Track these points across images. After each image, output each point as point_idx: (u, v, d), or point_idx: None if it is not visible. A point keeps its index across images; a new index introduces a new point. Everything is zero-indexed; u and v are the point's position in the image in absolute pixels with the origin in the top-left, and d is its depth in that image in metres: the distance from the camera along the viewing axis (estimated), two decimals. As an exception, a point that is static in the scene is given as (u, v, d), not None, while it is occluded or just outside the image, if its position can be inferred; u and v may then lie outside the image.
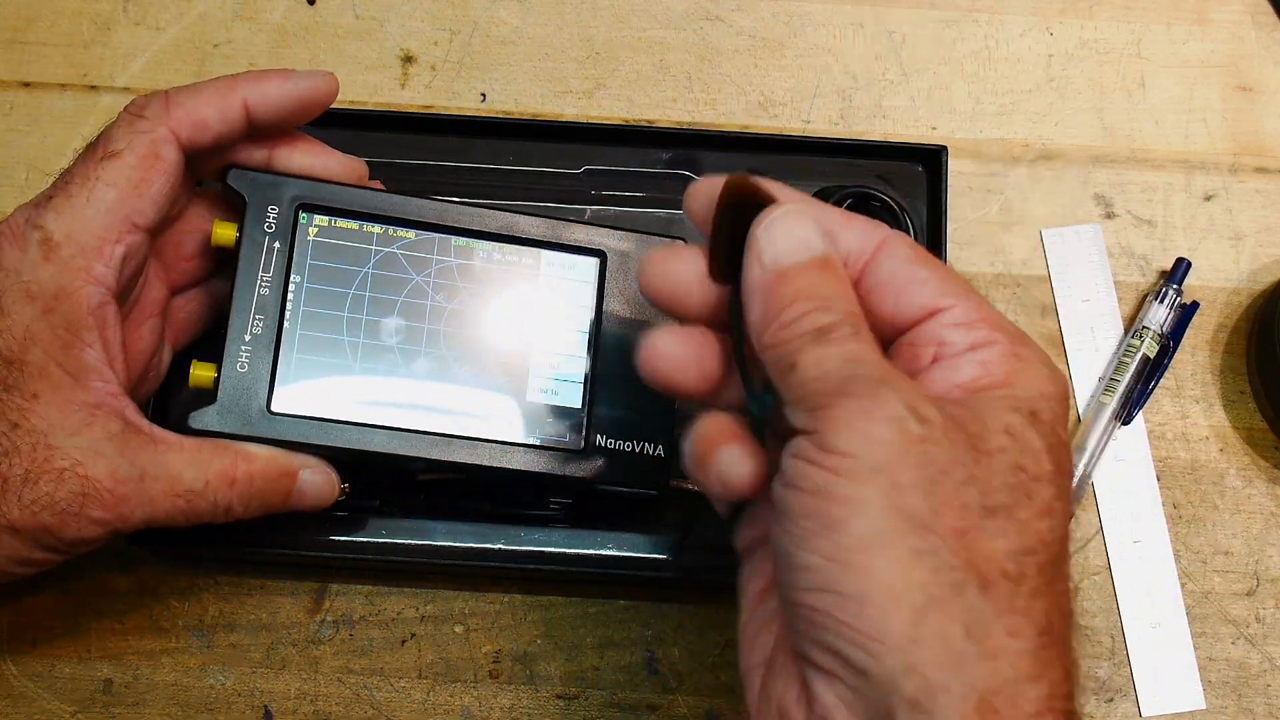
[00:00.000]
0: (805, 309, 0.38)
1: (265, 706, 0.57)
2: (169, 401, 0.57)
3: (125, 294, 0.49)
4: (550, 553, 0.56)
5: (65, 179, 0.47)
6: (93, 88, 0.65)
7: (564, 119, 0.64)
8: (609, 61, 0.66)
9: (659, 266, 0.42)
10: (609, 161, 0.61)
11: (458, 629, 0.58)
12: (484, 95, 0.65)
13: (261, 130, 0.50)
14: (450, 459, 0.52)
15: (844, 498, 0.35)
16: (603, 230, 0.54)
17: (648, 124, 0.64)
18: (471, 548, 0.56)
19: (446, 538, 0.56)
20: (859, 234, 0.41)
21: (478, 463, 0.52)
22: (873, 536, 0.35)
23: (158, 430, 0.48)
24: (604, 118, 0.64)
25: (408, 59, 0.65)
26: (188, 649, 0.57)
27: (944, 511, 0.35)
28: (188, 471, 0.48)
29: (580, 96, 0.65)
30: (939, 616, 0.34)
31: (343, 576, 0.58)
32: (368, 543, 0.56)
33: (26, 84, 0.65)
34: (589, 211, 0.61)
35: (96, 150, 0.47)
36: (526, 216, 0.54)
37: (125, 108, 0.48)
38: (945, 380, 0.39)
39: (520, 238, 0.53)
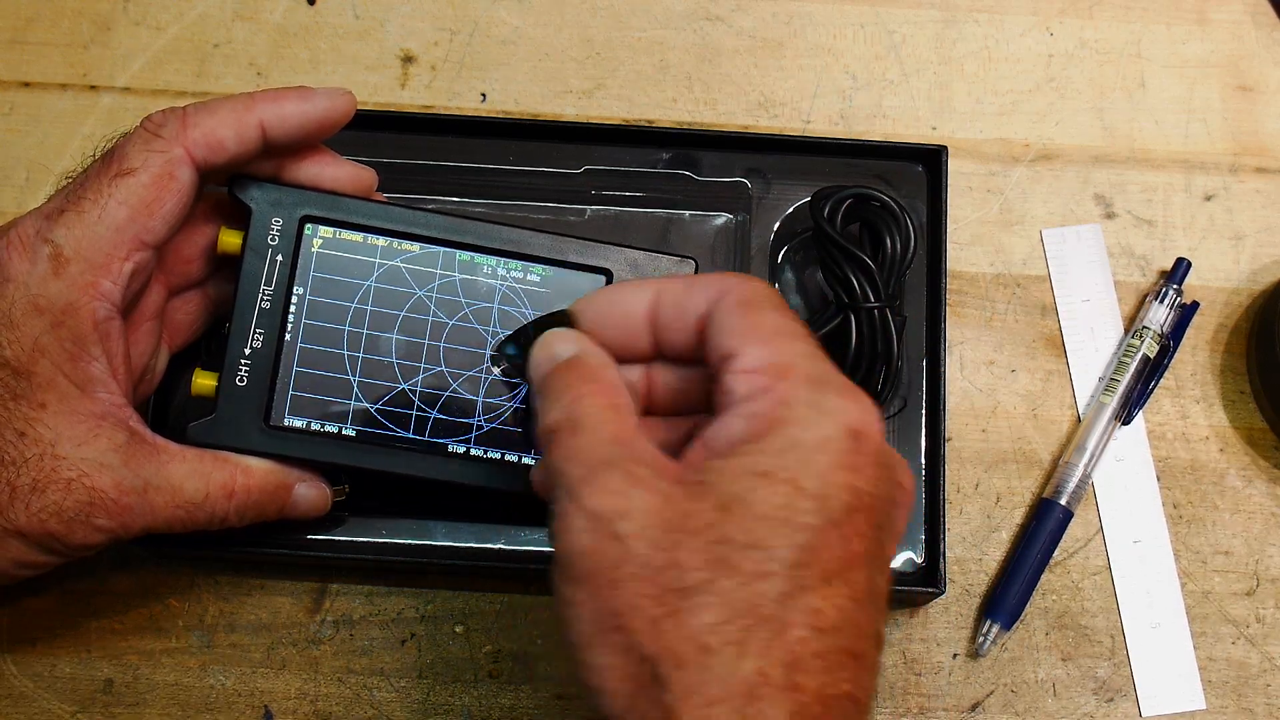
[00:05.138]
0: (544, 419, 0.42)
1: (265, 706, 0.57)
2: (168, 405, 0.57)
3: (130, 307, 0.49)
4: (550, 553, 0.56)
5: (78, 192, 0.47)
6: (93, 88, 0.65)
7: (564, 119, 0.64)
8: (609, 61, 0.66)
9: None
10: (609, 161, 0.61)
11: (458, 629, 0.58)
12: (484, 95, 0.65)
13: (276, 149, 0.50)
14: (448, 478, 0.52)
15: (565, 600, 0.39)
16: (610, 248, 0.53)
17: (648, 124, 0.64)
18: (471, 548, 0.56)
19: (446, 538, 0.56)
20: (702, 289, 0.43)
21: (475, 482, 0.52)
22: (586, 637, 0.38)
23: (160, 440, 0.49)
24: (604, 118, 0.64)
25: (408, 59, 0.65)
26: (188, 649, 0.57)
27: (640, 604, 0.37)
28: (189, 483, 0.49)
29: (580, 96, 0.65)
30: (642, 700, 0.37)
31: (343, 576, 0.58)
32: (368, 543, 0.56)
33: (26, 84, 0.65)
34: (589, 211, 0.61)
35: (111, 165, 0.47)
36: (533, 232, 0.53)
37: (142, 123, 0.48)
38: (719, 435, 0.40)
39: (526, 254, 0.53)
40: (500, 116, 0.64)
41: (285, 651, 0.57)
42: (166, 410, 0.57)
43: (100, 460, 0.47)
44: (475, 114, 0.64)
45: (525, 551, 0.56)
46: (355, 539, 0.56)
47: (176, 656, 0.57)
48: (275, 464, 0.51)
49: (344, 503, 0.54)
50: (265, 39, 0.65)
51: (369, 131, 0.60)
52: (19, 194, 0.63)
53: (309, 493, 0.52)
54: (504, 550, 0.56)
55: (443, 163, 0.61)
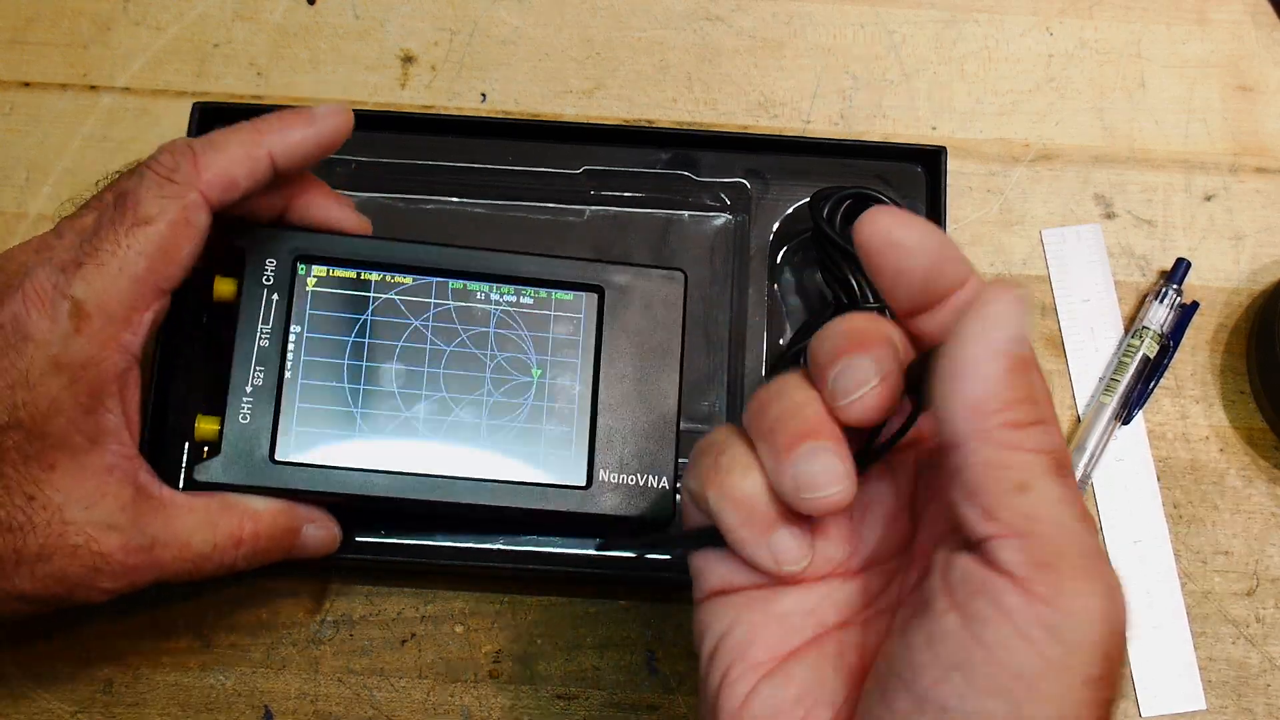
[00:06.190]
0: (1035, 418, 0.34)
1: (265, 706, 0.57)
2: (166, 447, 0.56)
3: (145, 354, 0.49)
4: (550, 553, 0.56)
5: (93, 243, 0.46)
6: (93, 88, 0.65)
7: (564, 119, 0.64)
8: (609, 61, 0.66)
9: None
10: (609, 161, 0.61)
11: (458, 629, 0.58)
12: (484, 95, 0.65)
13: (283, 177, 0.50)
14: (455, 500, 0.52)
15: (1033, 675, 0.33)
16: (600, 265, 0.54)
17: (648, 124, 0.64)
18: (471, 548, 0.56)
19: (446, 538, 0.56)
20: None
21: (483, 503, 0.52)
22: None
23: (167, 492, 0.49)
24: (604, 118, 0.64)
25: (408, 59, 0.65)
26: (188, 649, 0.57)
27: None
28: (196, 536, 0.48)
29: (580, 96, 0.65)
30: None
31: (343, 576, 0.58)
32: (368, 543, 0.56)
33: (26, 84, 0.65)
34: (588, 212, 0.61)
35: (126, 214, 0.46)
36: (523, 256, 0.54)
37: (150, 165, 0.47)
38: None
39: (517, 277, 0.54)
40: (500, 116, 0.64)
41: (285, 651, 0.57)
42: (164, 456, 0.56)
43: (108, 521, 0.46)
44: (475, 114, 0.64)
45: (525, 551, 0.56)
46: (355, 539, 0.56)
47: (176, 656, 0.57)
48: (283, 506, 0.51)
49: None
50: (265, 39, 0.65)
51: (369, 131, 0.60)
52: (19, 194, 0.63)
53: (317, 533, 0.52)
54: (504, 550, 0.56)
55: (443, 163, 0.61)
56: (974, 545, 0.35)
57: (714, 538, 0.39)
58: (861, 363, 0.37)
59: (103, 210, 0.47)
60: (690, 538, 0.41)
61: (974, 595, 0.34)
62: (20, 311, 0.45)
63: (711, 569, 0.41)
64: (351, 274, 0.53)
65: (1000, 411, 0.34)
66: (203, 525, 0.49)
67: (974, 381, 0.34)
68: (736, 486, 0.38)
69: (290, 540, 0.51)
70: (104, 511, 0.46)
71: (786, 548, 0.38)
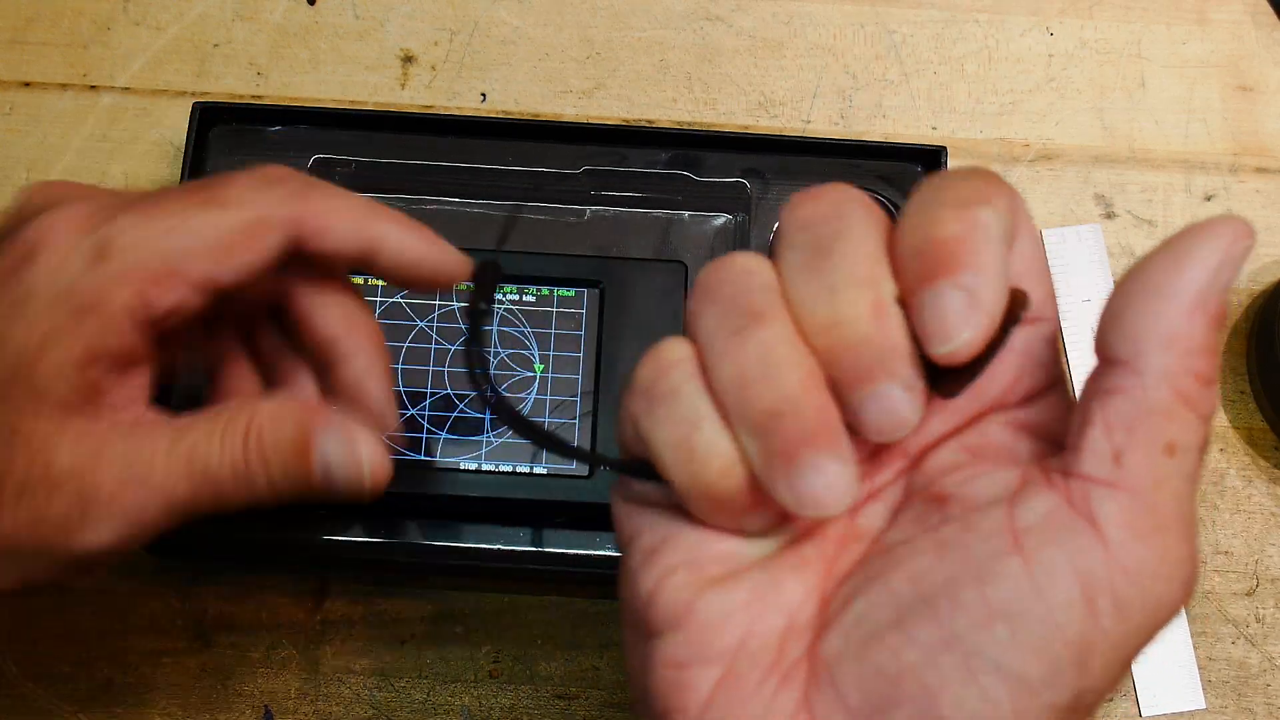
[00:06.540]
0: (1214, 379, 0.31)
1: (265, 706, 0.57)
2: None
3: (167, 340, 0.42)
4: (550, 553, 0.56)
5: (154, 198, 0.41)
6: (93, 88, 0.65)
7: (564, 119, 0.64)
8: (609, 61, 0.66)
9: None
10: (609, 161, 0.61)
11: (458, 629, 0.58)
12: (484, 95, 0.65)
13: (368, 271, 0.43)
14: (460, 493, 0.53)
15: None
16: (601, 261, 0.56)
17: (648, 124, 0.64)
18: (471, 548, 0.56)
19: (446, 538, 0.56)
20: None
21: (487, 495, 0.53)
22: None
23: (175, 419, 0.42)
24: (604, 118, 0.64)
25: (408, 59, 0.65)
26: (188, 649, 0.57)
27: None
28: (201, 444, 0.41)
29: (580, 96, 0.65)
30: None
31: (343, 576, 0.58)
32: (368, 543, 0.56)
33: (26, 84, 0.65)
34: (588, 212, 0.61)
35: (205, 191, 0.41)
36: (523, 255, 0.56)
37: (261, 170, 0.42)
38: None
39: (518, 276, 0.55)
40: (500, 116, 0.64)
41: (285, 651, 0.57)
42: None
43: (98, 452, 0.40)
44: (475, 114, 0.64)
45: (525, 552, 0.56)
46: (355, 539, 0.56)
47: (176, 656, 0.57)
48: (288, 402, 0.43)
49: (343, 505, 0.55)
50: (265, 39, 0.65)
51: (369, 131, 0.60)
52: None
53: (339, 450, 0.42)
54: (504, 550, 0.56)
55: (443, 163, 0.61)
56: (1058, 475, 0.31)
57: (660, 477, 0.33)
58: (959, 295, 0.31)
59: (189, 182, 0.43)
60: (632, 470, 0.34)
61: (1050, 545, 0.30)
62: (32, 236, 0.40)
63: (653, 492, 0.34)
64: (358, 280, 0.54)
65: (1194, 355, 0.30)
66: (209, 433, 0.41)
67: (1184, 314, 0.30)
68: (717, 485, 0.32)
69: (303, 457, 0.42)
70: (95, 442, 0.40)
71: (755, 524, 0.33)
